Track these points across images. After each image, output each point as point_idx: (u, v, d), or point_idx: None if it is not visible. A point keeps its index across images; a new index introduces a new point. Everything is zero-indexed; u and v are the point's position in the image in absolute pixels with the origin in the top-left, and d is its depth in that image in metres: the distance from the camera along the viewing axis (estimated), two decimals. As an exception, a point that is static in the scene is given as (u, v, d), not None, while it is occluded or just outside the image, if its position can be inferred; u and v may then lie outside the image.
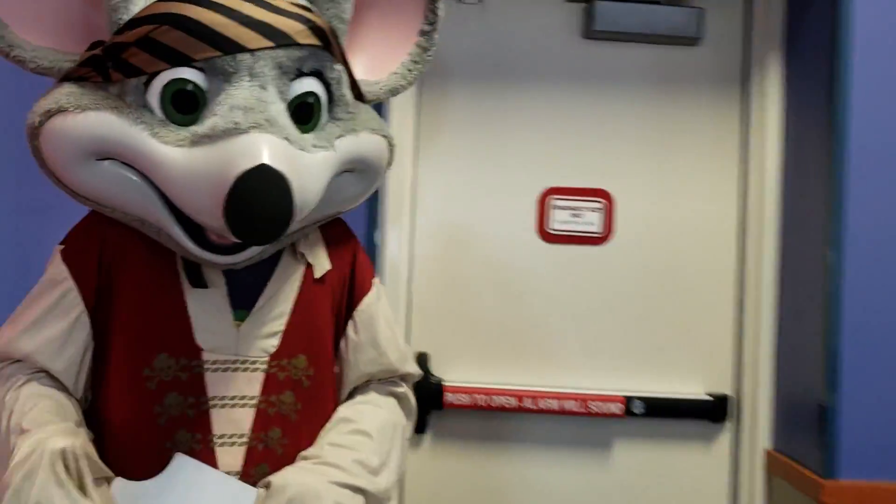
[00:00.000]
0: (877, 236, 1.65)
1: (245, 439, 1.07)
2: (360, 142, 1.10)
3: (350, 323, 1.20)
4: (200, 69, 0.98)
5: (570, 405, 1.93)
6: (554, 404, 1.93)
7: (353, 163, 1.10)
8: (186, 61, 0.97)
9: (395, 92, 1.22)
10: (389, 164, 1.19)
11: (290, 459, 1.08)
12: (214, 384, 1.07)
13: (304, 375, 1.13)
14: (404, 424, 1.22)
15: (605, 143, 2.02)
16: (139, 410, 1.05)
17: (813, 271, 1.75)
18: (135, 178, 1.01)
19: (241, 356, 1.08)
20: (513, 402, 1.93)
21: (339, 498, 1.01)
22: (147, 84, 0.99)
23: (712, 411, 1.98)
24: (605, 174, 2.02)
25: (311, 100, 1.05)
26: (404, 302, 2.00)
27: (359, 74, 1.17)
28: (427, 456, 2.01)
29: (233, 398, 1.07)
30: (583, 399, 1.93)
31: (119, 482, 0.99)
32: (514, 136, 2.03)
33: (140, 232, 1.07)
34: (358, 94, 1.15)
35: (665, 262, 2.01)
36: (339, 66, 1.08)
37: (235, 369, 1.08)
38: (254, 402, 1.08)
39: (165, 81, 0.98)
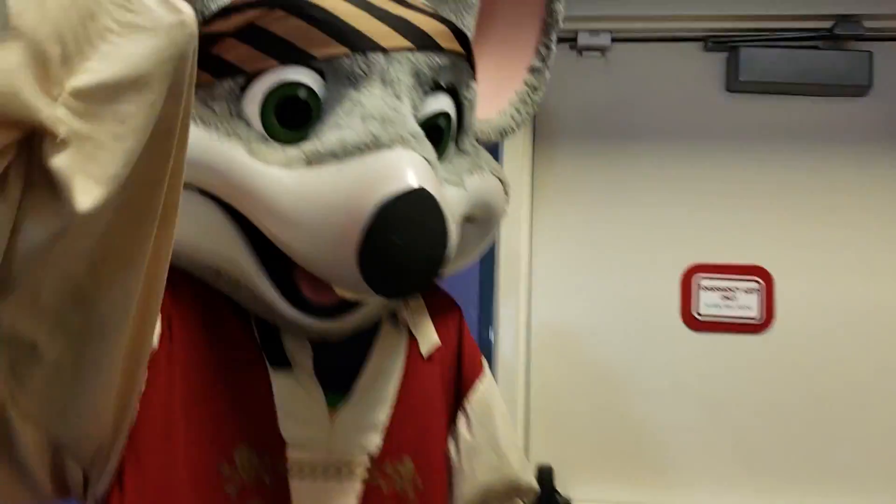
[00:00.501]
0: None
1: None
2: (485, 183, 0.88)
3: (461, 417, 0.93)
4: (319, 70, 0.73)
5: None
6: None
7: (477, 207, 0.86)
8: (303, 59, 0.72)
9: (503, 133, 0.99)
10: (504, 213, 0.96)
11: None
12: (300, 495, 0.79)
13: (412, 487, 0.85)
14: None
15: (759, 211, 1.70)
16: None
17: None
18: (216, 211, 0.74)
19: (334, 454, 0.81)
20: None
21: None
22: (244, 88, 0.73)
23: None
24: (761, 248, 1.69)
25: (442, 122, 0.82)
26: (522, 406, 1.67)
27: None
28: None
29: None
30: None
31: None
32: (649, 204, 1.72)
33: (208, 285, 0.79)
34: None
35: (840, 354, 1.65)
36: (475, 85, 0.86)
37: (327, 476, 0.80)
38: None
39: (271, 85, 0.73)
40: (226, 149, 0.71)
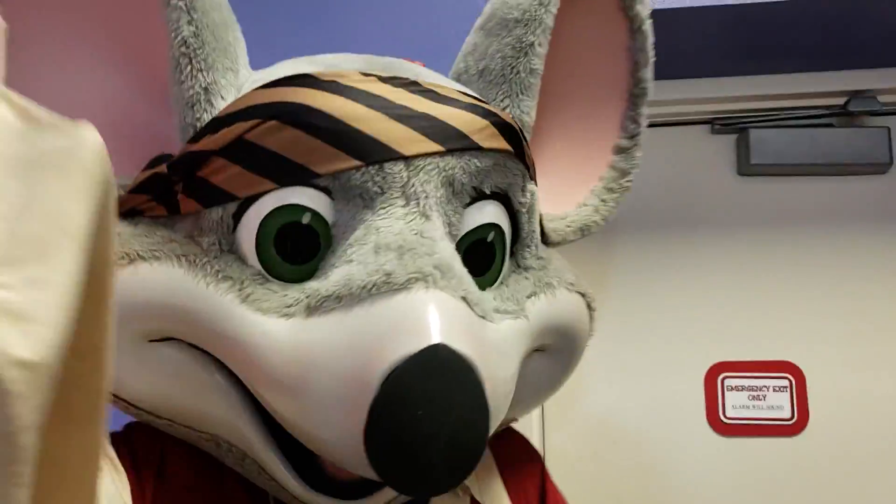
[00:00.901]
0: None
1: None
2: (558, 304, 0.71)
3: None
4: (325, 189, 0.60)
5: None
6: None
7: (548, 335, 0.70)
8: (304, 177, 0.59)
9: (585, 231, 0.83)
10: (590, 334, 0.78)
11: None
12: None
13: None
14: None
15: (783, 301, 1.59)
16: None
17: None
18: (209, 368, 0.61)
19: None
20: None
21: None
22: (238, 217, 0.61)
23: None
24: (789, 341, 1.58)
25: (491, 237, 0.67)
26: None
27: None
28: None
29: None
30: None
31: None
32: (665, 298, 1.62)
33: (211, 457, 0.66)
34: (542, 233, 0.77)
35: (880, 453, 1.53)
36: (533, 186, 0.71)
37: None
38: None
39: (268, 211, 0.60)
40: (214, 294, 0.58)
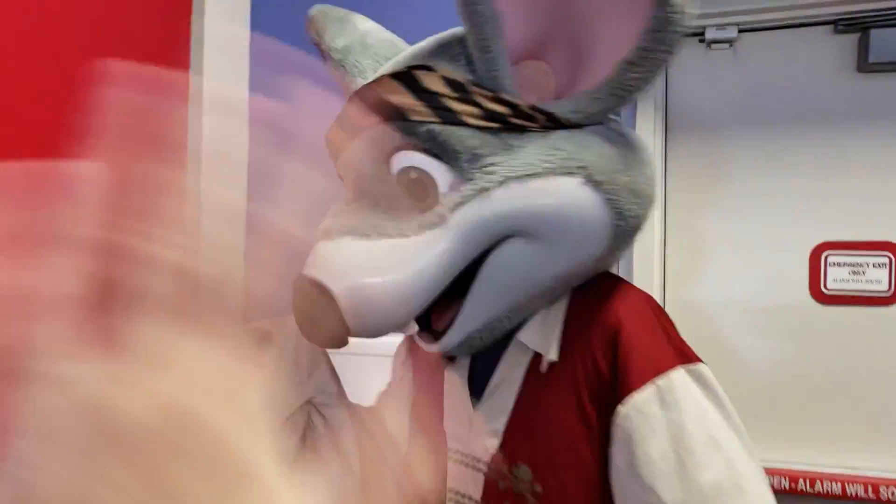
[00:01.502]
0: None
1: None
2: (512, 194, 0.78)
3: (611, 438, 0.81)
4: None
5: (856, 489, 1.70)
6: (836, 488, 1.72)
7: (506, 224, 0.79)
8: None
9: (612, 101, 0.80)
10: (631, 218, 0.82)
11: None
12: (452, 476, 0.94)
13: (530, 492, 0.86)
14: None
15: (888, 189, 1.77)
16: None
17: None
18: None
19: (468, 450, 0.92)
20: (785, 483, 1.74)
21: None
22: None
23: None
24: (890, 225, 1.77)
25: (413, 175, 0.81)
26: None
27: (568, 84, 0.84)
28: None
29: (462, 496, 0.93)
30: (872, 483, 1.69)
31: None
32: (779, 186, 1.85)
33: None
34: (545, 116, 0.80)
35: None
36: (434, 127, 0.79)
37: (466, 465, 0.92)
38: (467, 494, 0.92)
39: None
40: None
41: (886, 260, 1.76)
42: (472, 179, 0.79)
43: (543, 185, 0.77)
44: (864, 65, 1.78)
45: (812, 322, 1.81)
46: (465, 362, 0.96)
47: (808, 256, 1.82)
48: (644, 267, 1.87)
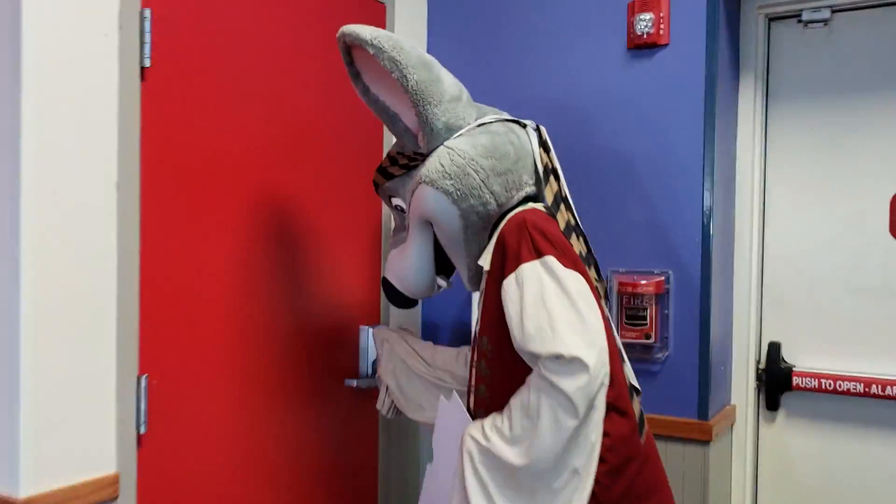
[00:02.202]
0: None
1: (473, 388, 1.60)
2: (410, 211, 1.66)
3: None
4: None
5: (921, 395, 2.08)
6: (902, 393, 2.10)
7: (417, 223, 1.64)
8: None
9: (434, 138, 1.59)
10: (457, 193, 1.54)
11: (492, 406, 1.47)
12: (473, 350, 1.63)
13: (487, 351, 1.51)
14: (547, 405, 1.30)
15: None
16: None
17: None
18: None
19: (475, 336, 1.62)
20: (859, 387, 2.14)
21: (473, 444, 1.40)
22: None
23: None
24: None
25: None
26: (756, 300, 2.31)
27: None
28: (779, 429, 2.31)
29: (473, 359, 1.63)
30: (933, 390, 2.07)
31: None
32: (864, 145, 2.20)
33: None
34: (419, 155, 1.63)
35: None
36: (389, 184, 1.73)
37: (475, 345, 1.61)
38: (475, 361, 1.59)
39: None
40: None
41: (955, 206, 2.10)
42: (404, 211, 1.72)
43: (419, 191, 1.62)
44: (942, 39, 2.09)
45: (886, 258, 2.17)
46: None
47: (889, 202, 2.17)
48: (746, 211, 2.28)
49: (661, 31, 2.08)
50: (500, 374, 1.50)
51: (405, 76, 1.51)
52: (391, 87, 1.59)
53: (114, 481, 1.53)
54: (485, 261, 1.53)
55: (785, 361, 2.29)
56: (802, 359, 2.28)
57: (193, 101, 1.68)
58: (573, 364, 1.29)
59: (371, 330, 2.12)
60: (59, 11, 1.41)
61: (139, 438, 1.59)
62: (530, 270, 1.40)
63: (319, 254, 2.06)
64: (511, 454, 1.34)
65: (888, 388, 2.11)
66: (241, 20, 1.80)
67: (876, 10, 2.18)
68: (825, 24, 2.24)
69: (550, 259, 1.40)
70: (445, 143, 1.57)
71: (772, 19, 2.31)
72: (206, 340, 1.74)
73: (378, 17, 2.25)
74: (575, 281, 1.39)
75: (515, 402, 1.38)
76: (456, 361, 1.90)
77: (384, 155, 2.06)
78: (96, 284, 1.49)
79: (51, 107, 1.40)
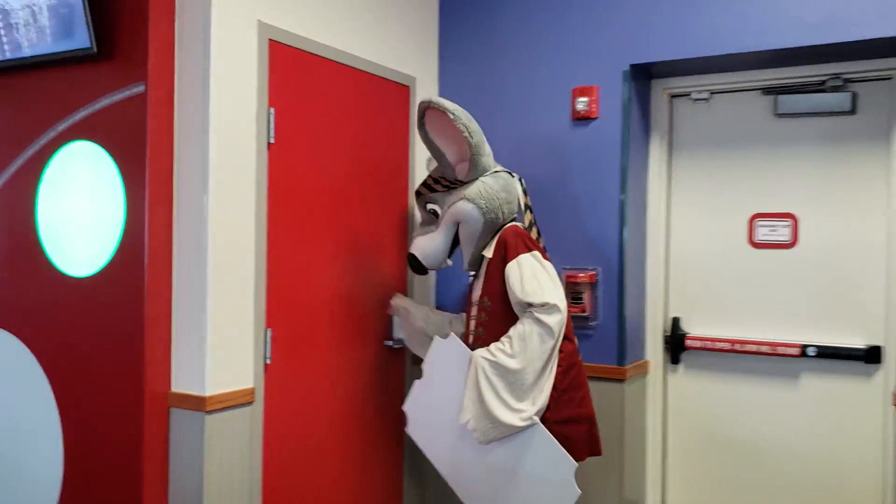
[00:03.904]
0: None
1: (472, 331, 2.66)
2: (449, 214, 2.71)
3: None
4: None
5: (765, 348, 3.13)
6: (755, 347, 3.15)
7: (450, 223, 2.71)
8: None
9: (475, 173, 2.67)
10: (488, 204, 2.63)
11: (487, 340, 2.51)
12: (471, 308, 2.69)
13: (487, 306, 2.60)
14: (538, 333, 2.39)
15: (791, 182, 3.15)
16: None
17: (915, 265, 2.74)
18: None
19: (475, 297, 2.68)
20: (729, 346, 3.20)
21: (484, 362, 2.43)
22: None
23: (868, 357, 3.01)
24: (792, 202, 3.15)
25: (434, 212, 2.78)
26: (662, 287, 3.37)
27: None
28: (681, 378, 3.36)
29: (471, 315, 2.69)
30: (772, 345, 3.12)
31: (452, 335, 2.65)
32: (731, 182, 3.26)
33: None
34: (459, 182, 2.69)
35: (831, 261, 3.09)
36: (433, 195, 2.76)
37: (472, 303, 2.68)
38: (474, 314, 2.64)
39: None
40: None
41: (789, 222, 3.16)
42: (445, 208, 2.75)
43: (457, 205, 2.72)
44: (777, 113, 3.15)
45: (746, 257, 3.23)
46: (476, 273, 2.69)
47: (747, 221, 3.23)
48: (656, 230, 3.34)
49: (593, 109, 3.14)
50: (493, 320, 2.59)
51: (470, 135, 2.58)
52: (449, 137, 2.62)
53: (251, 392, 2.57)
54: (489, 252, 2.65)
55: (682, 330, 3.34)
56: (694, 328, 3.33)
57: (299, 162, 2.74)
58: (553, 308, 2.40)
59: (392, 301, 3.17)
60: (227, 110, 2.47)
61: (266, 367, 2.63)
62: (525, 258, 2.53)
63: (369, 255, 3.11)
64: (512, 363, 2.39)
65: (747, 345, 3.16)
66: (327, 111, 2.86)
67: (737, 94, 3.25)
68: (706, 101, 3.30)
69: (536, 253, 2.55)
70: (481, 178, 2.67)
71: (673, 97, 3.38)
72: (305, 311, 2.78)
73: (405, 95, 3.31)
74: (549, 266, 2.55)
75: (514, 332, 2.43)
76: (449, 325, 2.97)
77: (410, 181, 3.27)
78: (245, 275, 2.54)
79: (223, 165, 2.46)
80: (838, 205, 3.09)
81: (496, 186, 2.64)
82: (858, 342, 3.05)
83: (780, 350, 3.12)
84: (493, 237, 2.66)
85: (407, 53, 3.34)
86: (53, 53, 2.49)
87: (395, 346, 3.21)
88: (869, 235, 3.03)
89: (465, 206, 2.63)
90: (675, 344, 3.35)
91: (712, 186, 3.31)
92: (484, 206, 2.61)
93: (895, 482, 2.91)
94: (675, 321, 3.36)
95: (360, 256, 3.08)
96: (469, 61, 3.47)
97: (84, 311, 2.55)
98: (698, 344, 3.28)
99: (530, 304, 2.42)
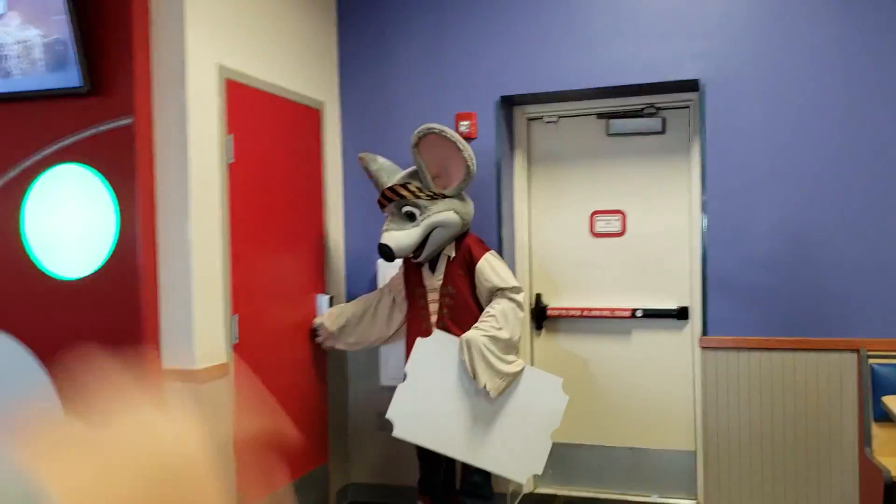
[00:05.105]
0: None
1: (437, 312, 3.47)
2: (434, 218, 3.41)
3: (475, 275, 3.45)
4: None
5: (605, 312, 4.12)
6: (598, 313, 4.13)
7: (432, 226, 3.41)
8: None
9: (458, 190, 3.49)
10: (466, 217, 3.48)
11: (454, 318, 3.39)
12: (428, 297, 3.49)
13: (452, 294, 3.45)
14: (513, 308, 3.36)
15: (620, 186, 4.16)
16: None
17: (736, 241, 3.81)
18: None
19: (432, 287, 3.50)
20: (578, 313, 4.15)
21: (483, 339, 3.27)
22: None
23: (679, 315, 4.07)
24: (622, 202, 4.16)
25: (408, 211, 3.44)
26: (528, 272, 4.27)
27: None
28: (544, 339, 4.28)
29: (428, 303, 3.49)
30: (610, 310, 4.11)
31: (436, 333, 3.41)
32: (574, 185, 4.22)
33: None
34: (441, 195, 3.44)
35: (651, 245, 4.12)
36: (416, 200, 3.45)
37: (432, 289, 3.50)
38: (436, 299, 3.46)
39: None
40: None
41: (619, 216, 4.16)
42: (425, 213, 3.43)
43: (446, 214, 3.48)
44: (609, 133, 4.14)
45: (589, 244, 4.21)
46: (426, 264, 3.49)
47: (589, 216, 4.20)
48: (521, 228, 4.23)
49: (472, 130, 3.97)
50: (457, 303, 3.44)
51: (467, 162, 3.33)
52: (442, 159, 3.36)
53: (226, 366, 3.16)
54: (451, 252, 3.47)
55: (543, 303, 4.26)
56: (552, 301, 4.27)
57: (252, 179, 3.34)
58: (519, 289, 3.39)
59: (319, 297, 3.84)
60: (198, 137, 3.05)
61: (234, 346, 3.22)
62: (489, 257, 3.46)
63: (299, 250, 3.75)
64: (502, 333, 3.27)
65: (593, 311, 4.13)
66: (266, 134, 3.47)
67: (578, 118, 4.21)
68: (555, 123, 4.24)
69: (493, 252, 3.45)
70: (461, 195, 3.48)
71: (530, 120, 4.29)
72: (262, 300, 3.39)
73: (315, 119, 3.97)
74: (504, 261, 3.41)
75: (496, 311, 3.32)
76: (375, 310, 3.72)
77: (322, 189, 3.96)
78: (215, 270, 3.14)
79: (201, 181, 3.04)
80: (654, 202, 4.13)
81: (470, 204, 3.51)
82: (672, 304, 4.12)
83: (617, 313, 4.12)
84: (453, 241, 3.47)
85: (317, 82, 4.01)
86: (46, 90, 2.94)
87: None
88: (676, 225, 4.10)
89: (452, 215, 3.41)
90: (539, 314, 4.26)
91: (561, 190, 4.26)
92: (462, 214, 3.45)
93: (703, 401, 3.97)
94: (538, 296, 4.27)
95: (294, 251, 3.72)
96: (364, 90, 4.19)
97: (77, 307, 3.03)
98: (556, 313, 4.22)
99: (502, 289, 3.31)
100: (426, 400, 3.34)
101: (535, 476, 4.17)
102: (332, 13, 4.20)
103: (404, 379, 3.36)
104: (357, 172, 4.02)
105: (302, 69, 3.85)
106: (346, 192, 4.23)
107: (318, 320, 3.80)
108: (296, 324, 3.74)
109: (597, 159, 4.20)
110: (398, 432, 3.32)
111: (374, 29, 4.19)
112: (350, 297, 4.18)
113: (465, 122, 3.98)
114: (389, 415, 3.34)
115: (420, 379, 3.35)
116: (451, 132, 3.33)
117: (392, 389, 3.37)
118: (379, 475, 4.22)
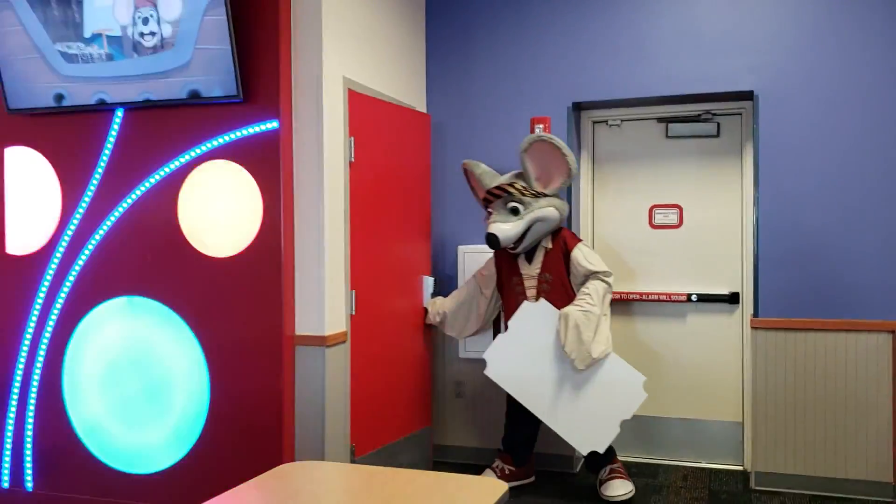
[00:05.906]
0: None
1: (534, 297, 4.01)
2: (538, 212, 3.95)
3: (570, 262, 4.00)
4: None
5: (662, 297, 4.61)
6: (656, 297, 4.62)
7: (534, 220, 3.95)
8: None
9: (557, 190, 4.03)
10: (563, 214, 4.03)
11: (549, 300, 3.93)
12: (524, 286, 4.05)
13: (549, 278, 4.01)
14: (605, 288, 3.92)
15: (681, 184, 4.65)
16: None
17: (786, 226, 4.30)
18: None
19: (532, 274, 4.04)
20: (637, 297, 4.65)
21: (579, 313, 3.79)
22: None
23: (730, 300, 4.56)
24: (679, 197, 4.65)
25: (512, 207, 3.97)
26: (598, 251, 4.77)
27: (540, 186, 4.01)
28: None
29: (525, 289, 4.04)
30: (667, 294, 4.60)
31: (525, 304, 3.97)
32: (637, 182, 4.71)
33: None
34: (543, 194, 3.99)
35: (705, 236, 4.61)
36: (520, 196, 3.97)
37: (529, 276, 4.05)
38: (534, 284, 4.00)
39: None
40: None
41: (677, 210, 4.65)
42: (528, 208, 4.00)
43: (547, 209, 4.03)
44: (668, 136, 4.63)
45: (648, 235, 4.70)
46: (523, 255, 4.05)
47: (648, 209, 4.69)
48: (585, 222, 4.73)
49: (546, 132, 4.47)
50: (553, 288, 3.99)
51: (570, 167, 3.88)
52: (547, 163, 3.92)
53: (345, 333, 3.68)
54: (548, 244, 4.04)
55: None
56: (615, 286, 4.76)
57: (368, 175, 3.87)
58: (609, 273, 3.97)
59: (425, 278, 4.36)
60: (331, 141, 3.58)
61: (350, 317, 3.75)
62: (581, 246, 4.03)
63: (407, 240, 4.27)
64: (595, 309, 3.83)
65: (651, 296, 4.63)
66: (382, 137, 3.99)
67: (640, 121, 4.69)
68: (619, 126, 4.73)
69: (585, 243, 4.05)
70: (559, 195, 4.02)
71: (595, 123, 4.78)
72: (375, 279, 3.92)
73: (426, 122, 4.49)
74: (594, 250, 4.01)
75: (591, 290, 3.89)
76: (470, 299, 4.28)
77: (431, 186, 4.44)
78: (337, 253, 3.66)
79: (329, 177, 3.56)
80: (709, 198, 4.61)
81: (566, 203, 4.08)
82: (724, 290, 4.60)
83: (674, 298, 4.61)
84: (549, 235, 4.01)
85: (414, 91, 4.53)
86: (209, 97, 3.46)
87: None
88: (729, 219, 4.58)
89: (553, 211, 3.96)
90: (602, 297, 4.76)
91: (622, 186, 4.75)
92: (562, 210, 4.01)
93: (752, 377, 4.45)
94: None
95: (402, 238, 4.25)
96: (451, 98, 4.71)
97: (224, 282, 3.56)
98: (617, 297, 4.71)
99: (595, 272, 3.90)
100: (519, 354, 3.90)
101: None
102: (421, 30, 4.71)
103: (506, 330, 3.97)
104: (439, 171, 4.53)
105: (401, 79, 4.37)
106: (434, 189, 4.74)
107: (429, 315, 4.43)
108: (403, 300, 4.27)
109: (656, 159, 4.69)
110: (489, 371, 3.95)
111: (459, 43, 4.70)
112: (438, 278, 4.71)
113: (540, 125, 4.47)
114: (486, 355, 3.96)
115: (519, 335, 3.93)
116: (557, 140, 3.86)
117: (470, 361, 3.92)
118: (465, 439, 4.77)
